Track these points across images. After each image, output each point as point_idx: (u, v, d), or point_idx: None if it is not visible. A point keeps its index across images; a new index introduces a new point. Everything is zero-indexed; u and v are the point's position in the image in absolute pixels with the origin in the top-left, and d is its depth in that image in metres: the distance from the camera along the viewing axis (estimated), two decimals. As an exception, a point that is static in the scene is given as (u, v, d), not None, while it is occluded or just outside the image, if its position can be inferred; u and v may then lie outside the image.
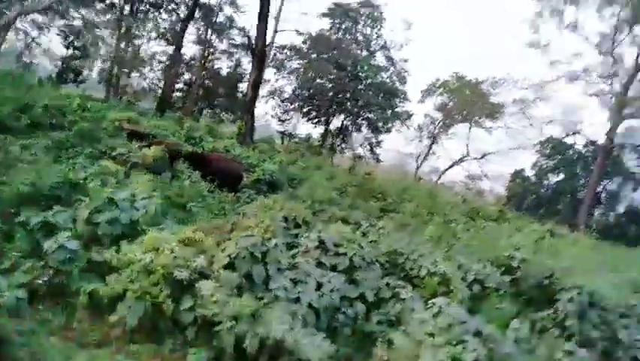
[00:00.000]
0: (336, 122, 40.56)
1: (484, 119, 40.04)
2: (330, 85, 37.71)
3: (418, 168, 41.76)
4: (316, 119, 39.49)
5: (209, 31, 35.92)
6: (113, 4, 35.93)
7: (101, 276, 6.21)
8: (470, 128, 40.88)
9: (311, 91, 37.53)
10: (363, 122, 40.31)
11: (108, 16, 36.33)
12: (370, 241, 8.45)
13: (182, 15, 33.31)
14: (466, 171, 41.72)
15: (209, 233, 6.42)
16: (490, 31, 71.52)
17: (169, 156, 12.34)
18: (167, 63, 35.08)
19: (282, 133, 37.98)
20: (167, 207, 9.27)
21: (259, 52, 23.71)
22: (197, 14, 33.36)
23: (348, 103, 38.65)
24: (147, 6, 35.24)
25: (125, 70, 35.16)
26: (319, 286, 5.85)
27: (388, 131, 40.94)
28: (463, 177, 41.74)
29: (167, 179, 11.31)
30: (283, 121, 38.87)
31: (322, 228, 6.96)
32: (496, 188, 42.11)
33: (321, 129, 40.46)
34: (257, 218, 7.05)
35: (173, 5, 34.17)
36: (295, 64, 37.72)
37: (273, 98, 37.72)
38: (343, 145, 40.93)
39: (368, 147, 41.54)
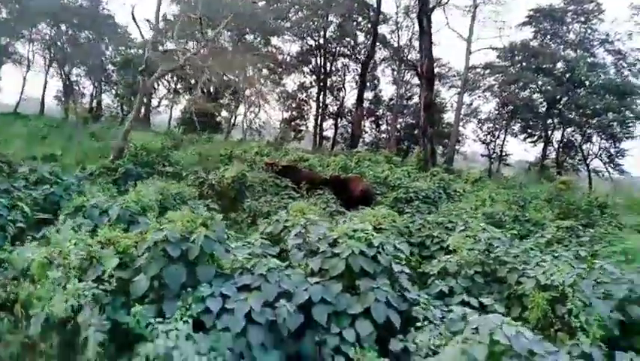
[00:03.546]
0: (557, 136, 35.16)
1: None
2: (539, 96, 33.18)
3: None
4: (528, 137, 34.95)
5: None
6: (318, 66, 39.99)
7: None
8: None
9: (516, 106, 33.64)
10: (593, 131, 33.81)
11: (314, 77, 40.67)
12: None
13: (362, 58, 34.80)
14: None
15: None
16: None
17: (293, 179, 12.81)
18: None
19: (488, 156, 34.78)
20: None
21: (426, 72, 22.60)
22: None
23: (568, 111, 33.11)
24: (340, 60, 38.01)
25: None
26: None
27: (632, 137, 33.32)
28: None
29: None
30: (487, 143, 35.63)
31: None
32: None
33: (538, 147, 35.69)
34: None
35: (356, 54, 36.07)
36: (490, 81, 34.69)
37: (469, 120, 35.24)
38: (569, 160, 34.94)
39: (606, 159, 34.50)
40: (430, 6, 23.68)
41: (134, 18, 14.24)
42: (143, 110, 39.63)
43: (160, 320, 3.88)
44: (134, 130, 27.71)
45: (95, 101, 39.02)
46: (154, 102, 40.79)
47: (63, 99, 37.08)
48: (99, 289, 4.03)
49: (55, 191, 7.89)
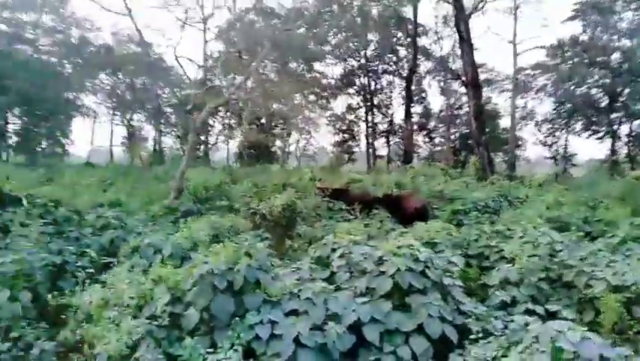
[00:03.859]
0: (625, 129, 32.98)
1: None
2: (598, 90, 31.43)
3: None
4: (593, 134, 33.03)
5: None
6: (363, 86, 40.19)
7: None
8: None
9: (574, 103, 31.99)
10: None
11: (360, 97, 40.87)
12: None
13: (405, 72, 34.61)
14: None
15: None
16: None
17: (346, 200, 12.74)
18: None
19: (552, 158, 33.12)
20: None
21: (472, 80, 22.04)
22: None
23: (633, 103, 31.06)
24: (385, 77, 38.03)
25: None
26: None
27: None
28: None
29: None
30: (549, 145, 33.98)
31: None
32: None
33: (607, 143, 33.59)
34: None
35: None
36: (542, 80, 33.26)
37: (526, 124, 33.82)
38: (642, 155, 32.59)
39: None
40: (467, 12, 23.28)
41: (176, 59, 14.82)
42: (202, 147, 41.44)
43: (211, 350, 3.97)
44: (194, 168, 29.00)
45: (157, 144, 41.18)
46: (211, 139, 42.36)
47: (128, 146, 39.45)
48: (152, 325, 4.19)
49: (120, 235, 8.35)
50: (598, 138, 33.77)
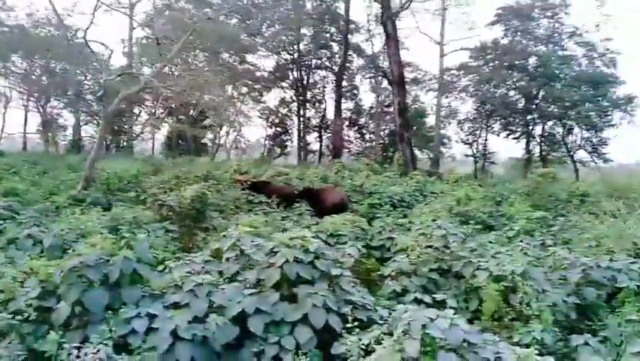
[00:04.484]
0: (538, 130, 35.32)
1: None
2: (516, 92, 33.48)
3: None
4: (511, 133, 35.13)
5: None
6: (296, 80, 40.07)
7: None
8: None
9: (494, 105, 33.83)
10: (573, 122, 34.01)
11: (294, 91, 40.81)
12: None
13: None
14: None
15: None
16: None
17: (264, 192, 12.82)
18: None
19: (473, 156, 34.90)
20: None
21: (397, 77, 22.72)
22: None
23: (546, 105, 33.35)
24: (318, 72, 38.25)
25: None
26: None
27: (611, 125, 33.56)
28: None
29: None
30: (470, 144, 35.78)
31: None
32: None
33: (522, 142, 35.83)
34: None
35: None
36: (465, 81, 34.95)
37: (449, 122, 35.41)
38: (554, 154, 35.06)
39: (590, 149, 34.67)
40: (394, 11, 23.91)
41: (86, 43, 13.93)
42: (124, 137, 39.64)
43: (78, 345, 3.78)
44: (114, 158, 27.65)
45: (76, 132, 38.82)
46: (137, 129, 40.62)
47: (43, 134, 36.96)
48: (16, 319, 3.93)
49: (9, 227, 7.75)
50: (514, 138, 35.97)
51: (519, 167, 35.37)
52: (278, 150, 42.96)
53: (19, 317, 3.98)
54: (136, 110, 39.34)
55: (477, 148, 36.16)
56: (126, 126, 39.18)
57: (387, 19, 23.00)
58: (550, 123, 34.48)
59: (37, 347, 3.90)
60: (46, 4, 40.10)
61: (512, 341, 5.18)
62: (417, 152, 39.57)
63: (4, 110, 36.35)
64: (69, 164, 21.07)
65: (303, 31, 37.11)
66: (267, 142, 42.13)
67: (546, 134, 34.85)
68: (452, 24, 34.43)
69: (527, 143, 35.23)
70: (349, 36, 35.50)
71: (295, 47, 37.81)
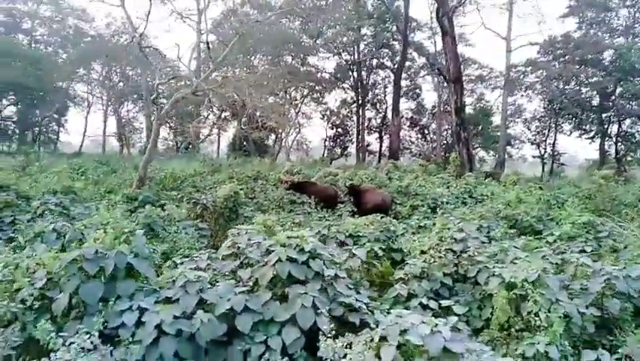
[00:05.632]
0: (614, 129, 32.75)
1: None
2: (588, 89, 31.21)
3: None
4: (584, 133, 32.82)
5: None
6: (357, 81, 39.98)
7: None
8: None
9: (564, 102, 31.76)
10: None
11: (354, 92, 40.73)
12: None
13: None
14: None
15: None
16: None
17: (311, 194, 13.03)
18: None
19: (540, 157, 32.97)
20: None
21: (454, 75, 21.96)
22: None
23: (624, 102, 30.84)
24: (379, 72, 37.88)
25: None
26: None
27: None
28: None
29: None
30: (537, 144, 33.82)
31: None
32: None
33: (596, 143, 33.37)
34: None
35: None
36: (532, 78, 33.08)
37: (515, 122, 33.66)
38: (632, 154, 32.37)
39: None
40: (451, 7, 23.15)
41: (141, 50, 14.72)
42: (190, 139, 41.48)
43: (64, 334, 4.06)
44: (179, 159, 29.07)
45: (150, 135, 41.24)
46: (205, 131, 42.45)
47: (118, 136, 39.69)
48: (18, 308, 4.30)
49: (61, 221, 8.41)
50: (588, 138, 33.61)
51: (593, 169, 32.94)
52: (338, 151, 43.13)
53: (21, 306, 4.34)
54: (204, 113, 41.13)
55: (545, 149, 34.16)
56: (191, 128, 41.01)
57: (444, 15, 22.35)
58: (628, 122, 31.96)
59: (36, 335, 4.23)
60: (122, 14, 43.02)
61: (516, 353, 4.90)
62: (483, 153, 38.20)
63: (86, 114, 39.58)
64: (136, 164, 22.48)
65: (364, 31, 36.98)
66: (327, 143, 42.42)
67: (623, 133, 32.23)
68: (520, 18, 32.69)
69: (602, 143, 32.78)
70: (410, 35, 34.87)
71: (355, 47, 37.76)
